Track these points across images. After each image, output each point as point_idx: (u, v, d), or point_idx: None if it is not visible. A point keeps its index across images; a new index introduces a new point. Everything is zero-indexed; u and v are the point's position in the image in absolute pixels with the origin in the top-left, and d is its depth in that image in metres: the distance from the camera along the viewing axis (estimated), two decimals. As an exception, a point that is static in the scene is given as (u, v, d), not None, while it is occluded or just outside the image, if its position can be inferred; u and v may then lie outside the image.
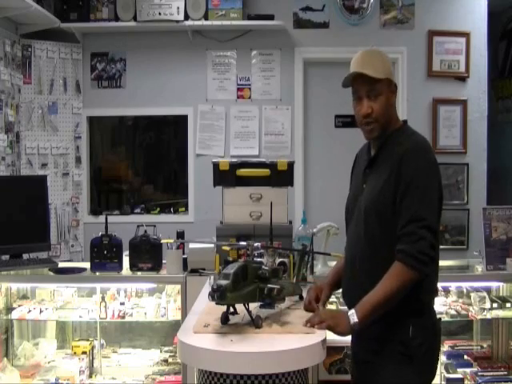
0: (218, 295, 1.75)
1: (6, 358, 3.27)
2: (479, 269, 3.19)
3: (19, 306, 3.28)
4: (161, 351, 3.46)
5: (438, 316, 2.11)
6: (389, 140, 2.04)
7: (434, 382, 2.05)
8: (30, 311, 3.22)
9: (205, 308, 2.10)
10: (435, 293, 2.07)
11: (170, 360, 3.38)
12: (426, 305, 2.01)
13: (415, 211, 1.89)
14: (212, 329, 1.86)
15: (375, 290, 1.90)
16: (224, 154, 5.03)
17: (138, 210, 5.17)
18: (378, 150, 2.07)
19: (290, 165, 3.07)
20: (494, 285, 3.31)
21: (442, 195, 2.01)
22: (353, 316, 1.88)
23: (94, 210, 5.13)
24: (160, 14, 4.81)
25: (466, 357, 3.33)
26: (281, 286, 1.92)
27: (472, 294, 3.23)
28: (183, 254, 3.16)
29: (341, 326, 1.88)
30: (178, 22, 4.84)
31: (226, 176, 3.04)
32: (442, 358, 3.22)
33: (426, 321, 1.99)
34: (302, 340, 1.78)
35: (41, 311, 3.20)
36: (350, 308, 2.14)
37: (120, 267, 3.10)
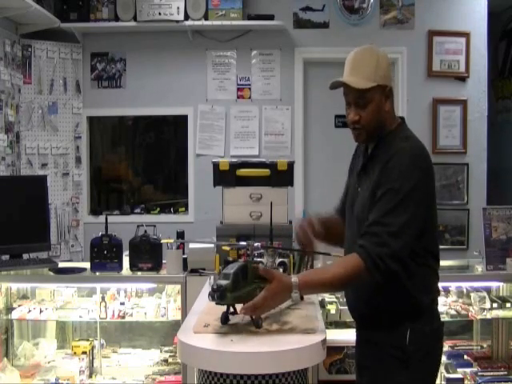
0: (218, 295, 1.75)
1: (6, 358, 3.27)
2: (479, 269, 3.19)
3: (19, 306, 3.28)
4: (161, 351, 3.46)
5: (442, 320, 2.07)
6: (382, 143, 1.97)
7: (433, 382, 2.04)
8: (29, 311, 3.22)
9: (205, 308, 2.10)
10: (436, 294, 2.02)
11: (170, 360, 3.38)
12: (426, 307, 1.96)
13: (386, 215, 1.81)
14: (212, 329, 1.86)
15: (327, 270, 1.89)
16: (224, 153, 5.03)
17: (138, 210, 5.17)
18: (371, 153, 2.01)
19: (290, 165, 3.07)
20: (494, 285, 3.31)
21: (430, 201, 1.92)
22: (295, 289, 1.80)
23: (94, 210, 5.13)
24: (160, 14, 4.81)
25: (466, 357, 3.33)
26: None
27: (472, 294, 3.22)
28: (183, 254, 3.16)
29: (278, 302, 1.85)
30: (178, 21, 4.84)
31: (226, 176, 3.04)
32: (442, 359, 3.21)
33: (424, 325, 1.93)
34: (302, 340, 1.78)
35: (41, 311, 3.20)
36: (353, 314, 2.13)
37: (120, 267, 3.09)
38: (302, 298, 2.24)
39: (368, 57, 1.94)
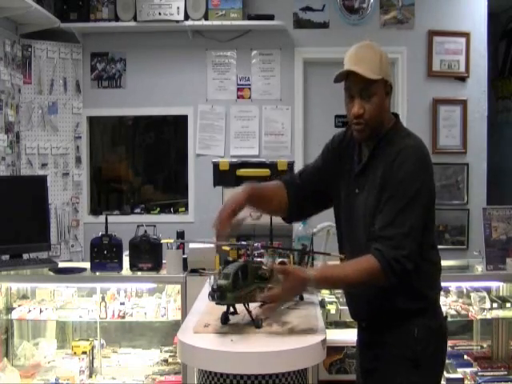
0: (218, 295, 1.75)
1: (6, 358, 3.27)
2: (479, 269, 3.19)
3: (19, 305, 3.28)
4: (161, 351, 3.46)
5: (444, 314, 2.08)
6: (382, 142, 1.95)
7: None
8: (29, 311, 3.22)
9: (205, 308, 2.10)
10: (439, 290, 2.03)
11: (170, 360, 3.38)
12: (431, 303, 1.97)
13: (397, 216, 1.83)
14: (212, 329, 1.86)
15: (343, 268, 1.90)
16: (224, 154, 5.03)
17: (138, 210, 5.17)
18: (370, 154, 1.98)
19: (290, 165, 3.07)
20: (494, 285, 3.31)
21: (432, 200, 1.94)
22: (312, 283, 1.84)
23: (94, 210, 5.13)
24: (160, 14, 4.81)
25: (466, 357, 3.34)
26: (281, 286, 1.92)
27: (472, 294, 3.23)
28: (183, 253, 3.16)
29: (295, 293, 1.92)
30: (178, 21, 4.84)
31: (226, 176, 3.04)
32: (442, 358, 3.22)
33: (431, 321, 1.94)
34: (302, 340, 1.78)
35: (41, 311, 3.20)
36: (355, 318, 2.13)
37: (120, 267, 3.10)
38: (301, 298, 2.24)
39: (372, 52, 1.95)
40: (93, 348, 3.42)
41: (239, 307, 1.88)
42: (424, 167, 1.89)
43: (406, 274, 1.82)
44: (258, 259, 2.20)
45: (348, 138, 2.07)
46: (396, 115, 2.04)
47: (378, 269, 1.81)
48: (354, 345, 2.17)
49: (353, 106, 1.92)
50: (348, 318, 2.92)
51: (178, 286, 3.10)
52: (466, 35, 5.02)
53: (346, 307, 2.18)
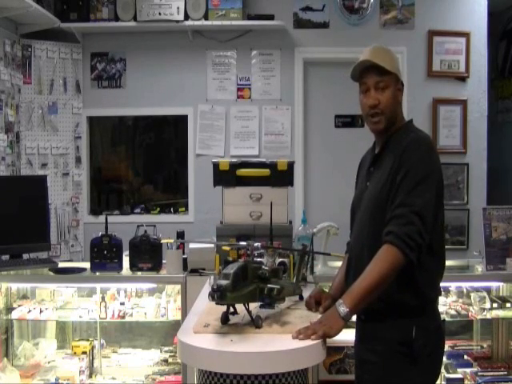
0: (218, 295, 1.75)
1: (5, 358, 3.27)
2: (479, 269, 3.18)
3: (19, 306, 3.28)
4: (161, 351, 3.46)
5: (442, 318, 2.09)
6: (392, 138, 2.05)
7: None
8: (29, 311, 3.22)
9: (205, 308, 2.10)
10: (439, 291, 2.05)
11: (170, 360, 3.38)
12: (429, 304, 1.99)
13: (407, 196, 1.88)
14: (212, 329, 1.86)
15: (363, 275, 1.86)
16: (224, 153, 5.03)
17: (138, 210, 5.17)
18: (381, 148, 2.08)
19: (290, 165, 3.07)
20: (494, 285, 3.31)
21: (441, 191, 1.99)
22: (342, 307, 1.83)
23: (94, 210, 5.13)
24: (160, 14, 4.81)
25: (466, 357, 3.34)
26: (281, 286, 1.92)
27: (472, 294, 3.23)
28: (183, 254, 3.16)
29: (334, 326, 1.82)
30: (178, 21, 4.84)
31: (226, 176, 3.04)
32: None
33: (429, 322, 1.97)
34: (302, 340, 1.78)
35: (41, 311, 3.20)
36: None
37: (120, 267, 3.10)
38: (301, 298, 2.24)
39: (386, 50, 2.08)
40: (93, 348, 3.42)
41: (239, 307, 1.88)
42: (432, 155, 1.98)
43: (420, 250, 1.85)
44: (258, 259, 2.20)
45: (368, 151, 2.20)
46: (410, 121, 2.13)
47: (394, 250, 1.84)
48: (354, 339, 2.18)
49: (368, 98, 2.03)
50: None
51: (178, 286, 3.10)
52: (466, 35, 5.02)
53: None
